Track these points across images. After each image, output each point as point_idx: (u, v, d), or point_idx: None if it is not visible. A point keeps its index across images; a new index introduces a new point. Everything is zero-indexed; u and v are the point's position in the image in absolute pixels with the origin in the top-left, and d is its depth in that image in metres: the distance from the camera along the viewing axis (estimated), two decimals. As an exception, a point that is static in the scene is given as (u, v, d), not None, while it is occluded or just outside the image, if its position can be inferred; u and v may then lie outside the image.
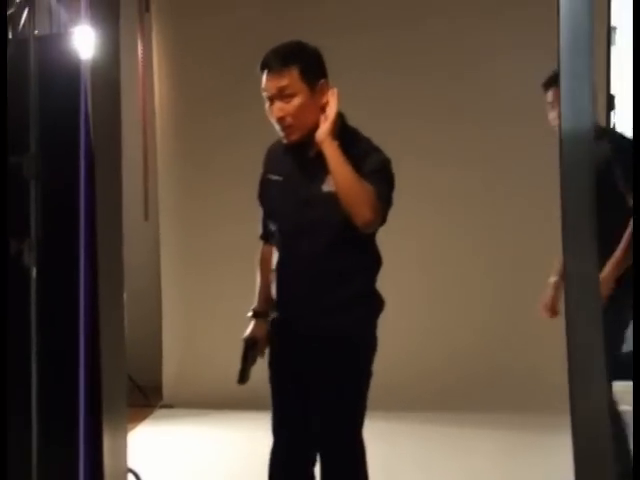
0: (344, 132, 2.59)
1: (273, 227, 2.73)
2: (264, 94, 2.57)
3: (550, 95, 3.35)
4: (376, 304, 2.73)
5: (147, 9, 5.08)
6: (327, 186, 2.55)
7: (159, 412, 5.12)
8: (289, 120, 2.54)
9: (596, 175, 2.53)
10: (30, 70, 2.51)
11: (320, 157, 2.53)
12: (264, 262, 2.80)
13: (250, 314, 2.82)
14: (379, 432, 3.74)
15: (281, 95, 2.53)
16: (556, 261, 3.26)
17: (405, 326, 4.70)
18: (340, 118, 2.58)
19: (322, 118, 2.53)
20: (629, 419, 4.73)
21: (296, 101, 2.53)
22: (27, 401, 2.47)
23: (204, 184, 5.11)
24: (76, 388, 2.44)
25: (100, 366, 2.56)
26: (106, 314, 2.71)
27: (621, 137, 3.43)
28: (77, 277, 2.48)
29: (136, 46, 5.04)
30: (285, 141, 2.60)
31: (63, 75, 2.54)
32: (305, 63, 2.55)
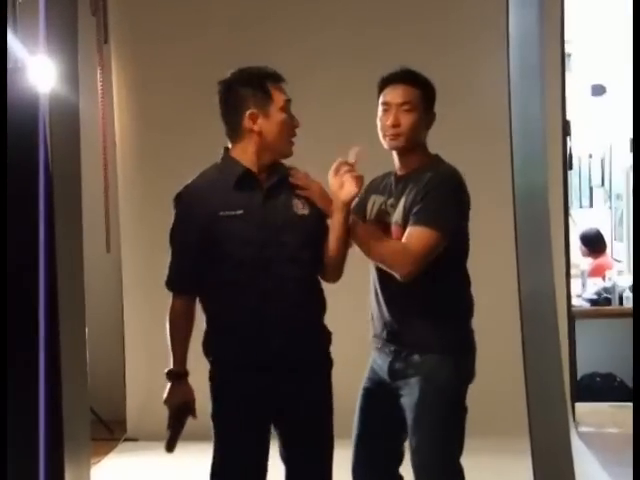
0: None
1: (225, 267, 2.62)
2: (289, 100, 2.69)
3: (385, 95, 2.87)
4: (326, 336, 2.81)
5: (106, 40, 5.09)
6: (299, 210, 2.66)
7: (123, 445, 5.06)
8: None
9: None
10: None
11: (275, 184, 2.65)
12: (182, 316, 2.72)
13: (170, 376, 2.73)
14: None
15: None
16: None
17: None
18: None
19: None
20: (590, 440, 4.80)
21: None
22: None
23: (166, 214, 5.08)
24: (37, 423, 2.41)
25: (62, 400, 2.54)
26: (68, 348, 2.70)
27: (442, 174, 2.82)
28: (38, 309, 2.46)
29: (95, 77, 5.03)
30: (291, 153, 2.70)
31: (21, 109, 2.54)
32: None
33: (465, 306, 2.87)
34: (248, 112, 2.63)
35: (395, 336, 2.82)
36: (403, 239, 2.71)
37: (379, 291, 2.85)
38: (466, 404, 2.82)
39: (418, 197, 2.73)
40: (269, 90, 2.64)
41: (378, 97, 2.87)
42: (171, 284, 2.74)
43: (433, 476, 2.80)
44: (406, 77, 2.83)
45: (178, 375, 2.72)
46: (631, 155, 6.53)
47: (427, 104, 2.84)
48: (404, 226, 2.75)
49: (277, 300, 2.62)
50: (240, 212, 2.61)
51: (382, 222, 2.85)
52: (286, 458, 2.75)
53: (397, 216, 2.80)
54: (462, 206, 2.78)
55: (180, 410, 2.69)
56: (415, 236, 2.67)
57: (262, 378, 2.63)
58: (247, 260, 2.60)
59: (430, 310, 2.77)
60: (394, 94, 2.81)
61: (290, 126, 2.67)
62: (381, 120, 2.83)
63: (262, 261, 2.61)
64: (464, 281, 2.86)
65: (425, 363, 2.77)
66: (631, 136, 6.45)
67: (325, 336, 2.77)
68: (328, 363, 2.77)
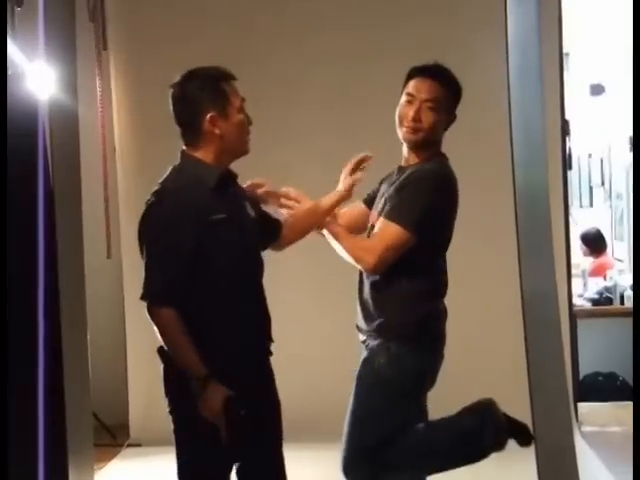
0: None
1: (217, 272, 2.52)
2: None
3: (411, 86, 2.83)
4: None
5: (105, 47, 5.09)
6: (252, 212, 2.70)
7: (127, 451, 5.05)
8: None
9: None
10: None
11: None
12: (178, 324, 2.46)
13: (200, 382, 2.46)
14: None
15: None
16: None
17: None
18: None
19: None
20: (593, 439, 4.80)
21: None
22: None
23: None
24: (39, 428, 2.41)
25: (64, 406, 2.53)
26: (70, 353, 2.70)
27: (422, 171, 2.79)
28: (39, 315, 2.46)
29: (94, 84, 5.04)
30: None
31: (20, 116, 2.54)
32: None
33: (421, 293, 2.80)
34: (208, 115, 2.58)
35: (359, 322, 2.88)
36: (374, 231, 2.77)
37: (358, 281, 2.91)
38: (408, 398, 2.79)
39: (394, 192, 2.76)
40: (226, 91, 2.61)
41: (404, 85, 2.84)
42: (156, 296, 2.47)
43: (347, 465, 2.81)
44: (437, 73, 2.81)
45: (207, 377, 2.45)
46: (631, 154, 6.54)
47: (452, 105, 2.82)
48: (380, 215, 2.80)
49: (260, 306, 2.66)
50: (223, 215, 2.54)
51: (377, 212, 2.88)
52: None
53: (379, 205, 2.85)
54: (441, 205, 2.75)
55: (226, 406, 2.43)
56: (381, 230, 2.73)
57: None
58: (232, 265, 2.54)
59: (384, 294, 2.78)
60: (421, 88, 2.79)
61: (247, 127, 2.64)
62: (402, 109, 2.81)
63: (245, 265, 2.60)
64: (429, 278, 2.82)
65: (370, 348, 2.81)
66: (631, 135, 6.47)
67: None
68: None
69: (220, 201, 2.56)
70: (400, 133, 2.82)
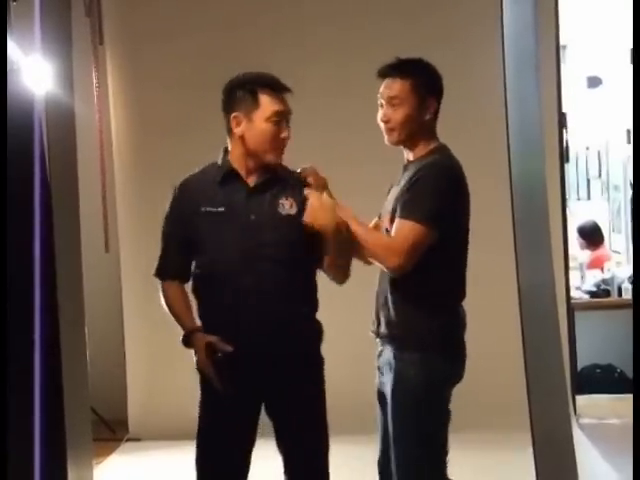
0: None
1: (204, 261, 2.71)
2: (282, 111, 2.70)
3: (380, 90, 2.81)
4: (317, 330, 2.81)
5: (101, 42, 5.08)
6: (284, 210, 2.68)
7: (126, 445, 5.06)
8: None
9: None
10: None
11: (263, 185, 2.69)
12: (175, 293, 2.78)
13: (185, 338, 2.74)
14: (347, 456, 3.74)
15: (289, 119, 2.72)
16: None
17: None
18: None
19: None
20: (591, 431, 4.81)
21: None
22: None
23: (164, 213, 5.09)
24: (36, 423, 2.41)
25: (63, 400, 2.53)
26: (68, 348, 2.70)
27: (431, 165, 2.74)
28: (36, 309, 2.46)
29: (91, 79, 5.03)
30: (277, 160, 2.71)
31: (16, 111, 2.54)
32: None
33: (447, 302, 2.76)
34: (233, 114, 2.68)
35: (377, 327, 2.82)
36: (392, 232, 2.69)
37: (377, 286, 2.84)
38: (444, 406, 2.73)
39: (405, 188, 2.70)
40: (257, 96, 2.65)
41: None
42: (158, 272, 2.82)
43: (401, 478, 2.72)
44: (394, 69, 2.76)
45: (191, 332, 2.72)
46: (628, 146, 6.54)
47: (421, 93, 2.73)
48: (392, 215, 2.73)
49: (254, 299, 2.65)
50: (222, 209, 2.68)
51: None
52: (281, 450, 2.79)
53: (387, 205, 2.80)
54: (451, 197, 2.69)
55: (207, 349, 2.64)
56: (400, 230, 2.64)
57: (244, 372, 2.65)
58: (223, 257, 2.66)
59: (408, 305, 2.71)
60: (383, 88, 2.77)
61: (275, 138, 2.67)
62: (379, 117, 2.80)
63: (239, 259, 2.65)
64: (450, 277, 2.75)
65: (397, 360, 2.71)
66: (628, 127, 6.47)
67: (311, 334, 2.76)
68: (315, 360, 2.77)
69: (223, 196, 2.69)
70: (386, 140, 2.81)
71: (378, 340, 2.86)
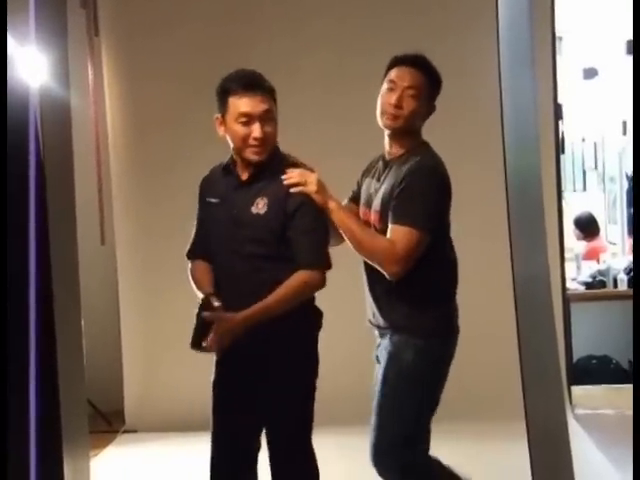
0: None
1: (209, 247, 2.87)
2: (247, 112, 2.71)
3: (393, 74, 2.86)
4: (311, 318, 2.81)
5: (96, 33, 5.07)
6: (255, 209, 2.73)
7: (122, 437, 5.08)
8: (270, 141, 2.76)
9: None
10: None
11: (252, 181, 2.76)
12: (200, 271, 2.88)
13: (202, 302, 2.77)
14: (343, 446, 3.74)
15: (265, 117, 2.73)
16: None
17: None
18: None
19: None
20: (587, 422, 4.82)
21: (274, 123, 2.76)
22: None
23: (159, 205, 5.10)
24: (32, 415, 2.41)
25: (59, 392, 2.53)
26: (64, 340, 2.69)
27: (420, 165, 2.79)
28: (32, 302, 2.46)
29: (86, 71, 5.02)
30: (256, 158, 2.75)
31: (11, 103, 2.53)
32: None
33: (439, 289, 2.88)
34: (215, 116, 2.80)
35: (375, 318, 2.90)
36: (388, 235, 2.74)
37: (365, 275, 2.91)
38: (442, 384, 2.87)
39: (396, 189, 2.76)
40: (227, 98, 2.73)
41: (385, 74, 2.88)
42: (187, 254, 2.96)
43: (383, 453, 2.84)
44: (418, 62, 2.85)
45: (207, 297, 2.78)
46: (624, 138, 6.54)
47: (432, 95, 2.86)
48: (381, 214, 2.80)
49: (228, 291, 2.76)
50: (217, 200, 2.84)
51: (370, 207, 2.89)
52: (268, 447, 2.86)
53: (376, 204, 2.85)
54: (442, 200, 2.81)
55: (203, 304, 2.72)
56: (400, 237, 2.71)
57: (223, 366, 2.83)
58: (215, 245, 2.83)
59: (403, 292, 2.80)
60: (403, 75, 2.82)
61: (245, 138, 2.73)
62: (383, 98, 2.84)
63: (223, 250, 2.79)
64: (441, 266, 2.87)
65: (393, 344, 2.83)
66: (624, 119, 6.47)
67: (281, 333, 2.74)
68: (288, 358, 2.77)
69: (220, 188, 2.84)
70: (381, 121, 2.85)
71: (376, 331, 2.90)
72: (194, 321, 2.70)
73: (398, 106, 2.79)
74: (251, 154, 2.75)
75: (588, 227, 6.56)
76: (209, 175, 2.94)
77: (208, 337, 2.67)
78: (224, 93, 2.74)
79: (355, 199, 3.04)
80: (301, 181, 2.73)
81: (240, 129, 2.72)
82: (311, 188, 2.73)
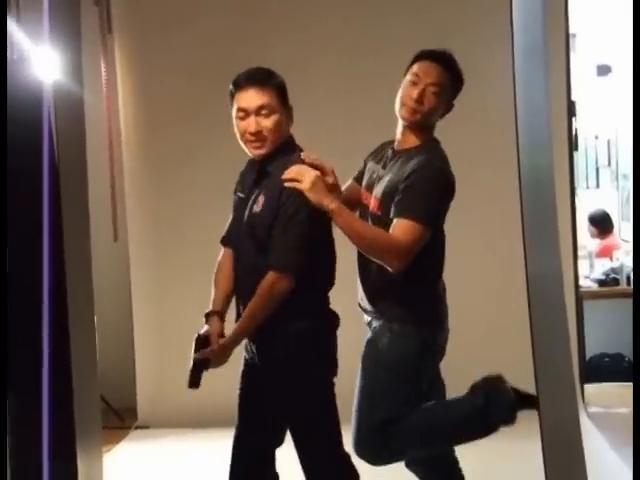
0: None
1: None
2: (243, 107, 2.70)
3: (418, 68, 2.86)
4: (321, 320, 2.76)
5: (109, 31, 5.08)
6: (256, 206, 2.72)
7: (135, 433, 5.09)
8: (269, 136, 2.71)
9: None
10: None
11: (259, 177, 2.75)
12: (222, 270, 2.88)
13: (206, 316, 2.82)
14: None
15: (261, 112, 2.70)
16: None
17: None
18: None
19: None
20: (599, 420, 4.81)
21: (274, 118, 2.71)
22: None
23: (172, 203, 5.11)
24: (45, 411, 2.43)
25: (72, 388, 2.55)
26: (77, 336, 2.71)
27: (427, 163, 2.81)
28: (45, 298, 2.48)
29: (100, 68, 5.03)
30: (255, 152, 2.74)
31: (25, 100, 2.54)
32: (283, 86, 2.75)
33: (435, 279, 2.93)
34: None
35: (363, 302, 2.95)
36: (391, 230, 2.75)
37: (356, 263, 2.94)
38: (416, 373, 2.88)
39: (402, 184, 2.78)
40: (233, 94, 2.74)
41: (409, 66, 2.88)
42: (222, 239, 2.94)
43: (361, 437, 2.87)
44: (444, 60, 2.86)
45: (209, 315, 2.81)
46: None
47: (453, 93, 2.88)
48: (382, 202, 2.83)
49: (242, 286, 2.78)
50: (242, 195, 2.83)
51: (371, 191, 2.91)
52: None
53: (377, 191, 2.87)
54: (445, 199, 2.83)
55: (197, 341, 2.72)
56: (405, 231, 2.72)
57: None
58: (235, 239, 2.83)
59: (387, 278, 2.81)
60: (428, 71, 2.83)
61: (242, 133, 2.73)
62: (405, 90, 2.84)
63: (240, 245, 2.79)
64: (436, 257, 2.91)
65: (373, 330, 2.90)
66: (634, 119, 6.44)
67: (289, 337, 2.70)
68: (287, 362, 2.73)
69: (247, 182, 2.81)
70: (399, 112, 2.86)
71: (366, 315, 2.98)
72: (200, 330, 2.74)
73: (419, 101, 2.80)
74: (250, 149, 2.75)
75: (602, 224, 6.54)
76: (243, 169, 2.92)
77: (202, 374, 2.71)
78: (231, 90, 2.75)
79: (359, 179, 3.06)
80: (296, 177, 2.66)
81: (239, 124, 2.73)
82: (304, 185, 2.63)
